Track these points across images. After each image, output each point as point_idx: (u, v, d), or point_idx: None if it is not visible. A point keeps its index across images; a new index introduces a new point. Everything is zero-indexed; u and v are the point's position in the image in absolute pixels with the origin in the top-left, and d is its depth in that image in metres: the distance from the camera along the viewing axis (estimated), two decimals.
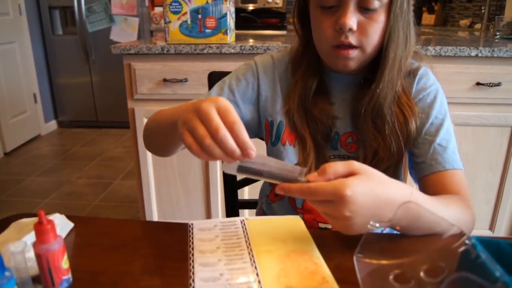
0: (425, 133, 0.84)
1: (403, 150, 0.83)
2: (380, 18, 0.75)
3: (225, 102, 0.57)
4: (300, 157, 0.86)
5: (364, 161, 0.80)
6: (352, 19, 0.74)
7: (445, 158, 0.81)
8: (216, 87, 0.91)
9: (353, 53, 0.77)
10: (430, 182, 0.80)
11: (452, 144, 0.83)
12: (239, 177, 0.62)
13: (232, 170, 0.61)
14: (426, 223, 0.64)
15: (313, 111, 0.85)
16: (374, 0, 0.73)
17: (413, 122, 0.82)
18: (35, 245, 0.55)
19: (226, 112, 0.56)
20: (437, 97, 0.86)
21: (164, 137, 0.78)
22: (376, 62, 0.81)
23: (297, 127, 0.86)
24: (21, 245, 0.54)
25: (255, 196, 1.13)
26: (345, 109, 0.87)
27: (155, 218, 2.04)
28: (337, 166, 0.58)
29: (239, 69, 0.93)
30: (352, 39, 0.76)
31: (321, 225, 0.89)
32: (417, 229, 0.65)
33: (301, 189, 0.57)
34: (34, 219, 0.69)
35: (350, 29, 0.74)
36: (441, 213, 0.66)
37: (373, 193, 0.58)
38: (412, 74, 0.87)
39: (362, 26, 0.75)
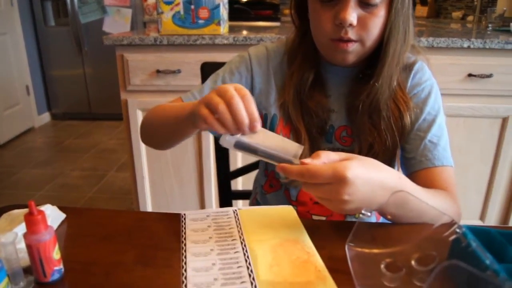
0: (417, 128, 0.83)
1: (398, 144, 0.83)
2: (381, 13, 0.74)
3: (240, 85, 0.62)
4: None
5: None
6: (352, 15, 0.73)
7: (435, 155, 0.81)
8: (209, 81, 0.90)
9: (352, 47, 0.77)
10: (419, 178, 0.80)
11: (444, 140, 0.83)
12: (233, 151, 0.64)
13: (229, 145, 0.62)
14: (415, 210, 0.65)
15: (309, 103, 0.84)
16: None
17: (408, 116, 0.82)
18: (25, 235, 0.55)
19: (241, 89, 0.61)
20: (432, 92, 0.85)
21: (171, 127, 0.79)
22: (374, 56, 0.80)
23: (292, 119, 0.85)
24: (11, 236, 0.54)
25: (249, 187, 1.13)
26: (341, 102, 0.86)
27: (149, 209, 2.04)
28: (330, 153, 0.59)
29: (232, 61, 0.92)
30: (352, 34, 0.75)
31: (315, 217, 0.90)
32: (406, 217, 0.66)
33: (301, 171, 0.57)
34: (25, 210, 0.69)
35: (351, 25, 0.73)
36: (428, 202, 0.67)
37: (369, 176, 0.59)
38: (408, 68, 0.86)
39: (363, 21, 0.74)
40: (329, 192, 0.57)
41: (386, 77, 0.79)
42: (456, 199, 0.78)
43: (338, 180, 0.56)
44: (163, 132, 0.83)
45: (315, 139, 0.85)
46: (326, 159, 0.58)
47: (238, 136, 0.61)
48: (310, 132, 0.85)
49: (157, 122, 0.84)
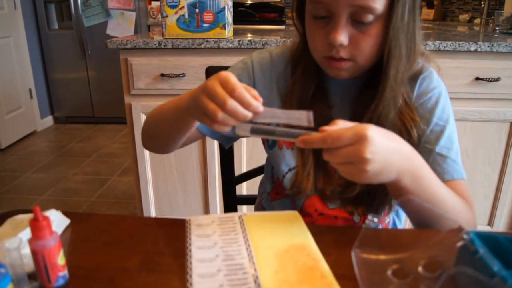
0: (425, 141, 0.80)
1: None
2: (375, 32, 0.70)
3: (224, 73, 0.60)
4: (299, 160, 0.84)
5: None
6: (343, 35, 0.70)
7: (444, 169, 0.77)
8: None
9: (346, 65, 0.74)
10: None
11: (454, 152, 0.79)
12: (252, 138, 0.64)
13: (245, 132, 0.62)
14: (429, 192, 0.67)
15: None
16: (368, 14, 0.68)
17: (415, 132, 0.78)
18: (30, 241, 0.54)
19: (226, 82, 0.59)
20: (439, 102, 0.81)
21: (170, 126, 0.78)
22: (378, 64, 0.76)
23: None
24: (16, 242, 0.53)
25: (254, 192, 1.12)
26: (344, 113, 0.83)
27: (153, 214, 2.03)
28: (345, 121, 0.61)
29: (235, 67, 0.91)
30: (344, 53, 0.72)
31: None
32: (420, 196, 0.66)
33: (323, 137, 0.57)
34: (29, 215, 0.68)
35: (341, 44, 0.71)
36: (443, 190, 0.69)
37: (387, 139, 0.60)
38: (415, 76, 0.82)
39: (355, 40, 0.71)
40: (352, 152, 0.57)
41: (388, 99, 0.75)
42: (473, 208, 0.75)
43: (360, 139, 0.56)
44: (162, 129, 0.82)
45: (320, 151, 0.84)
46: (343, 125, 0.59)
47: (251, 124, 0.61)
48: None
49: (156, 120, 0.83)
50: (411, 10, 0.71)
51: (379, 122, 0.75)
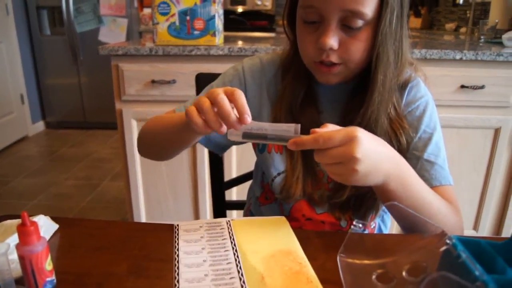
0: (413, 148, 0.81)
1: None
2: (365, 37, 0.72)
3: (231, 88, 0.62)
4: (288, 164, 0.85)
5: None
6: (332, 39, 0.71)
7: (432, 175, 0.79)
8: (203, 93, 0.90)
9: (336, 70, 0.76)
10: None
11: (441, 158, 0.81)
12: (242, 142, 0.65)
13: (237, 137, 0.63)
14: (415, 196, 0.69)
15: (301, 119, 0.82)
16: (357, 19, 0.70)
17: (404, 139, 0.80)
18: (18, 246, 0.55)
19: (229, 88, 0.62)
20: (427, 109, 0.83)
21: (169, 135, 0.80)
22: (366, 70, 0.78)
23: None
24: (4, 247, 0.54)
25: (243, 197, 1.13)
26: (333, 118, 0.84)
27: (143, 219, 2.03)
28: (335, 125, 0.62)
29: (226, 73, 0.92)
30: (334, 57, 0.73)
31: None
32: (406, 201, 0.68)
33: (315, 138, 0.59)
34: (18, 221, 0.69)
35: (331, 48, 0.72)
36: (430, 195, 0.71)
37: (376, 141, 0.63)
38: (403, 85, 0.84)
39: (345, 45, 0.72)
40: (342, 153, 0.58)
41: (377, 104, 0.76)
42: (459, 213, 0.77)
43: (350, 139, 0.58)
44: (162, 140, 0.83)
45: (308, 154, 0.84)
46: (333, 128, 0.61)
47: (243, 129, 0.62)
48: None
49: (155, 131, 0.85)
50: (399, 17, 0.73)
51: (369, 126, 0.77)
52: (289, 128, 0.62)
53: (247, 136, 0.63)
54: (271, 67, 0.90)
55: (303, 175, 0.83)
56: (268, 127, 0.62)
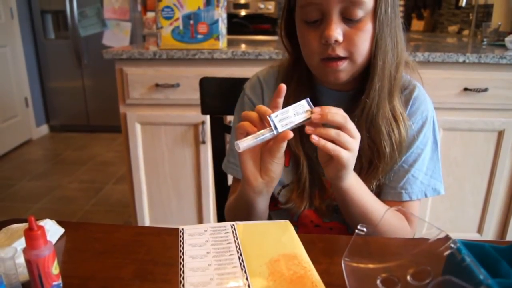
0: (404, 161, 0.85)
1: (397, 160, 0.83)
2: (367, 27, 0.74)
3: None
4: (294, 176, 0.86)
5: (361, 171, 0.81)
6: (336, 31, 0.72)
7: (414, 189, 0.86)
8: (233, 133, 0.95)
9: (342, 65, 0.76)
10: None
11: (422, 174, 0.86)
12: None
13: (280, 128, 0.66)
14: (362, 205, 0.78)
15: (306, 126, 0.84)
16: (357, 10, 0.72)
17: (402, 130, 0.82)
18: (25, 251, 0.55)
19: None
20: (424, 126, 0.85)
21: (245, 210, 0.83)
22: (366, 79, 0.79)
23: (291, 145, 0.84)
24: (11, 251, 0.54)
25: None
26: None
27: (147, 223, 2.03)
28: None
29: (237, 109, 0.95)
30: (340, 51, 0.74)
31: None
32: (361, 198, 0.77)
33: (322, 107, 0.67)
34: (24, 225, 0.70)
35: (336, 41, 0.73)
36: (378, 203, 0.81)
37: None
38: (407, 94, 0.86)
39: (349, 37, 0.74)
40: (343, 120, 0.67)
41: (377, 90, 0.78)
42: (411, 217, 0.85)
43: (346, 119, 0.67)
44: (244, 217, 0.85)
45: (314, 163, 0.85)
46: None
47: (269, 135, 0.66)
48: (310, 157, 0.84)
49: (235, 217, 0.87)
50: (392, 6, 0.76)
51: (370, 118, 0.80)
52: (303, 103, 0.67)
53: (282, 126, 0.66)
54: (271, 79, 0.92)
55: (309, 185, 0.84)
56: (291, 109, 0.67)
